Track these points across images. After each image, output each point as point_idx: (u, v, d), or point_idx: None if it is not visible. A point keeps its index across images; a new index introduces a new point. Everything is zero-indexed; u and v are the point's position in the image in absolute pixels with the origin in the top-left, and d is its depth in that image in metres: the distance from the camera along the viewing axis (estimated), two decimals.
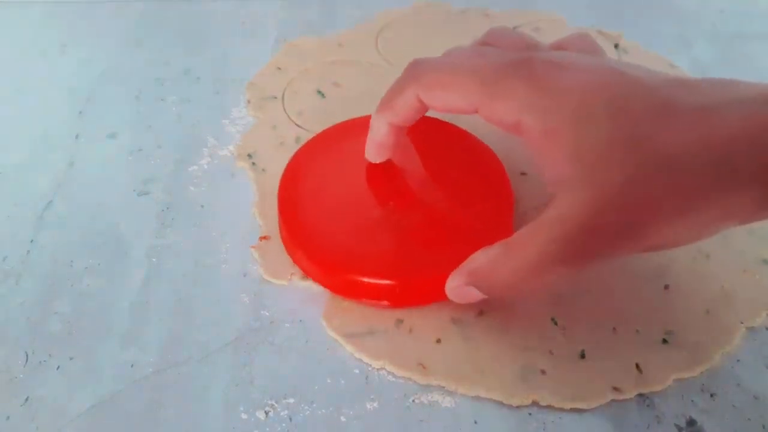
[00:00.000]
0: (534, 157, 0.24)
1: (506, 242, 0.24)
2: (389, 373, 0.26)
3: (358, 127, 0.32)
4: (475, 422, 0.25)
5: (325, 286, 0.28)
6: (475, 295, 0.25)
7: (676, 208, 0.21)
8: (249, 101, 0.38)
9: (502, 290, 0.25)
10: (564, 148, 0.22)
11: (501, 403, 0.25)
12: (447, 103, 0.26)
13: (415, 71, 0.27)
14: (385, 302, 0.27)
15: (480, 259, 0.25)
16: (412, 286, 0.27)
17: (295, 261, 0.29)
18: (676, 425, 0.25)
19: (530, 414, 0.25)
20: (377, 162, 0.31)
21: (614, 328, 0.27)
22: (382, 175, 0.31)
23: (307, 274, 0.29)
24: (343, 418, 0.25)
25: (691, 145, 0.21)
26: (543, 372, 0.26)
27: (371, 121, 0.29)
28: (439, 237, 0.28)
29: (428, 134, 0.32)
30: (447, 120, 0.33)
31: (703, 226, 0.22)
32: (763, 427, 0.25)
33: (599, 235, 0.22)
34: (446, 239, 0.28)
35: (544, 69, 0.23)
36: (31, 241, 0.31)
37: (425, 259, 0.27)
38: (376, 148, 0.30)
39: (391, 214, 0.29)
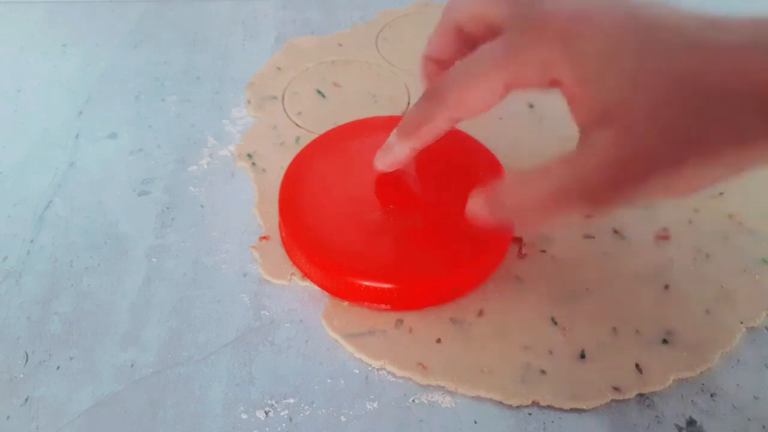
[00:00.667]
0: (568, 106, 0.24)
1: (534, 167, 0.23)
2: (389, 373, 0.26)
3: (360, 129, 0.31)
4: (475, 422, 0.25)
5: (325, 289, 0.28)
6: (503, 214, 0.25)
7: (710, 143, 0.21)
8: (249, 101, 0.38)
9: (523, 214, 0.24)
10: (594, 91, 0.22)
11: (501, 403, 0.25)
12: (480, 105, 0.25)
13: (438, 96, 0.26)
14: (385, 306, 0.27)
15: (507, 180, 0.25)
16: (413, 289, 0.27)
17: (295, 263, 0.29)
18: (676, 425, 0.25)
19: (530, 414, 0.25)
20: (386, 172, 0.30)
21: (614, 328, 0.27)
22: (383, 178, 0.30)
23: (307, 277, 0.29)
24: (343, 418, 0.25)
25: (727, 80, 0.20)
26: (543, 372, 0.26)
27: (390, 143, 0.28)
28: (440, 239, 0.28)
29: None
30: None
31: (729, 167, 0.21)
32: (763, 427, 0.25)
33: (624, 171, 0.21)
34: (446, 241, 0.28)
35: (559, 23, 0.23)
36: (31, 241, 0.31)
37: (426, 262, 0.27)
38: (391, 166, 0.29)
39: (392, 217, 0.29)
